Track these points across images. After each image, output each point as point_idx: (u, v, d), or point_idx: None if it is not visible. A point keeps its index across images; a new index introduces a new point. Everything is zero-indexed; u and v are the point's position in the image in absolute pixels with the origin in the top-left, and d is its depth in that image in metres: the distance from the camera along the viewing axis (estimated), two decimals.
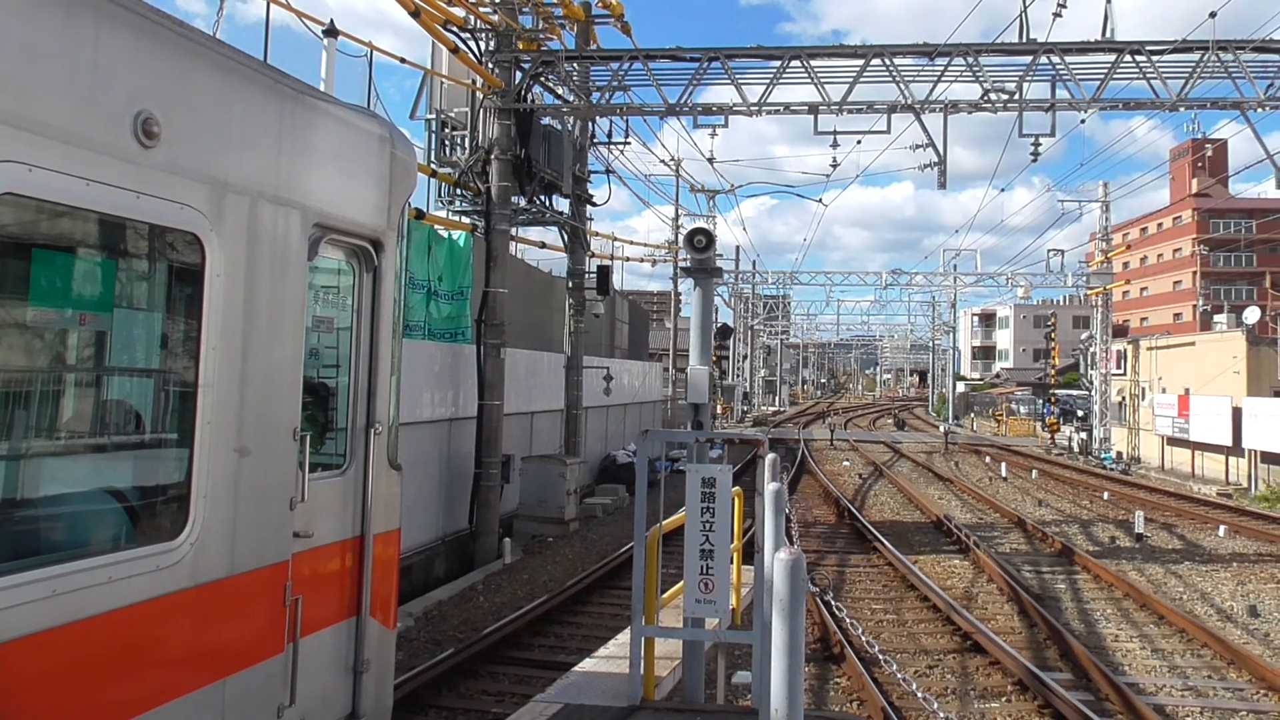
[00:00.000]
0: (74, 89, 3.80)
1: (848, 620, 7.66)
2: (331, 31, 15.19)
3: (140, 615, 4.07)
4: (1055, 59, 19.12)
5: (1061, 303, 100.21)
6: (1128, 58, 18.91)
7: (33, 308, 4.19)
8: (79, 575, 3.77)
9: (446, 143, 21.09)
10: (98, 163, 3.85)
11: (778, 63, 19.56)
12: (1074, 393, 59.53)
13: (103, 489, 4.45)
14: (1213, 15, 18.21)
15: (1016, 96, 19.42)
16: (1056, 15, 19.46)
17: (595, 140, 24.27)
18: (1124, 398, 48.71)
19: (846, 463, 40.59)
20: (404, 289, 6.69)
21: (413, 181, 6.55)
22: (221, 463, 4.56)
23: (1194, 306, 79.95)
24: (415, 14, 16.63)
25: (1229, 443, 35.56)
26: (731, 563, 7.36)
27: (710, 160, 29.57)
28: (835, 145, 21.26)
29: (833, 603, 8.18)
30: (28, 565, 3.65)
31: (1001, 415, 71.30)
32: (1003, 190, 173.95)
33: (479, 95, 20.10)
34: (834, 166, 23.03)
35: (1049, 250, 52.52)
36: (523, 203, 21.59)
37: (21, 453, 4.17)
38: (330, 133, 5.64)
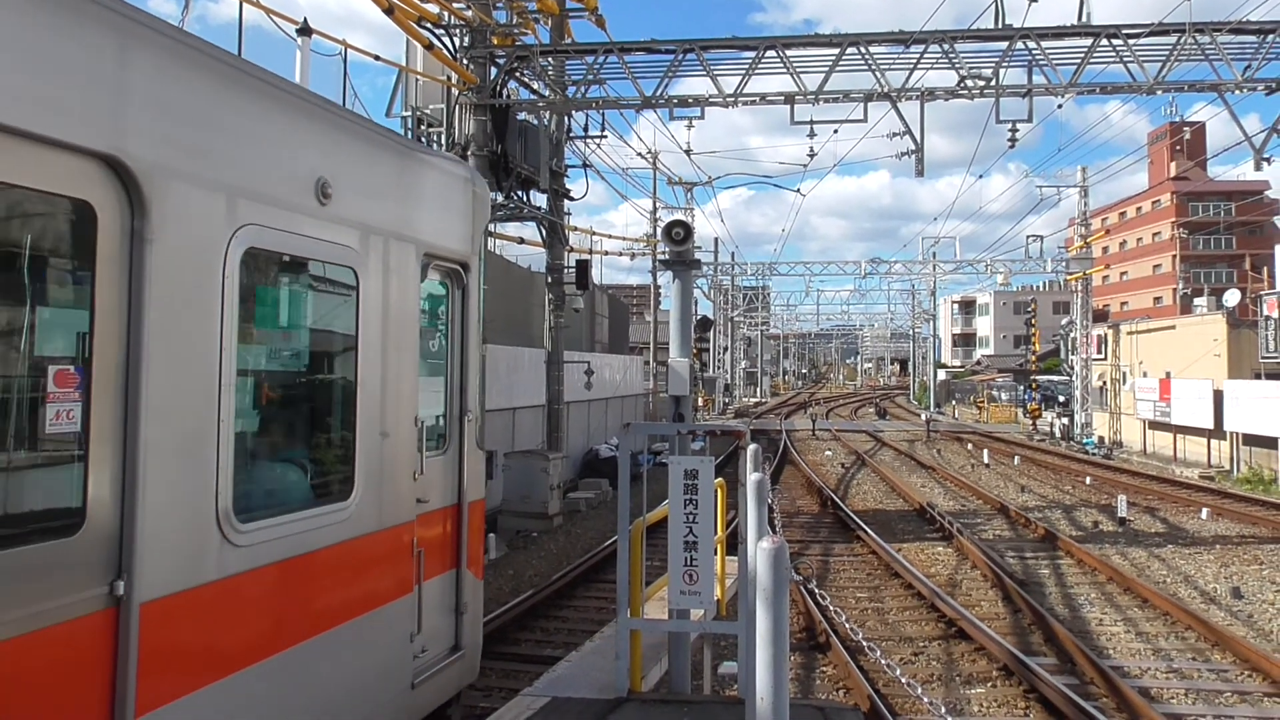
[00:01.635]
0: (284, 167, 5.23)
1: (832, 609, 7.65)
2: (305, 30, 15.10)
3: (331, 554, 5.53)
4: (1031, 44, 19.16)
5: (1041, 289, 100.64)
6: (1104, 41, 18.96)
7: (257, 329, 5.41)
8: (307, 521, 5.32)
9: (423, 140, 21.02)
10: (296, 219, 5.23)
11: (753, 53, 19.56)
12: (1055, 378, 59.77)
13: (317, 462, 5.84)
14: None
15: (993, 83, 19.45)
16: (1032, 0, 19.52)
17: (572, 135, 24.22)
18: (1105, 382, 48.92)
19: (829, 452, 40.66)
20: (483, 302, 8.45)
21: (488, 212, 8.19)
22: (372, 444, 5.96)
23: (1174, 290, 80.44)
24: (389, 11, 16.55)
25: (1210, 425, 35.75)
26: (716, 554, 7.35)
27: (687, 152, 29.53)
28: (812, 135, 21.28)
29: (816, 591, 8.18)
30: (283, 511, 5.25)
31: (983, 402, 71.57)
32: (980, 177, 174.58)
33: (454, 92, 20.02)
34: (811, 156, 23.05)
35: (1028, 236, 52.80)
36: (500, 198, 21.53)
37: (273, 436, 5.70)
38: (432, 180, 7.09)
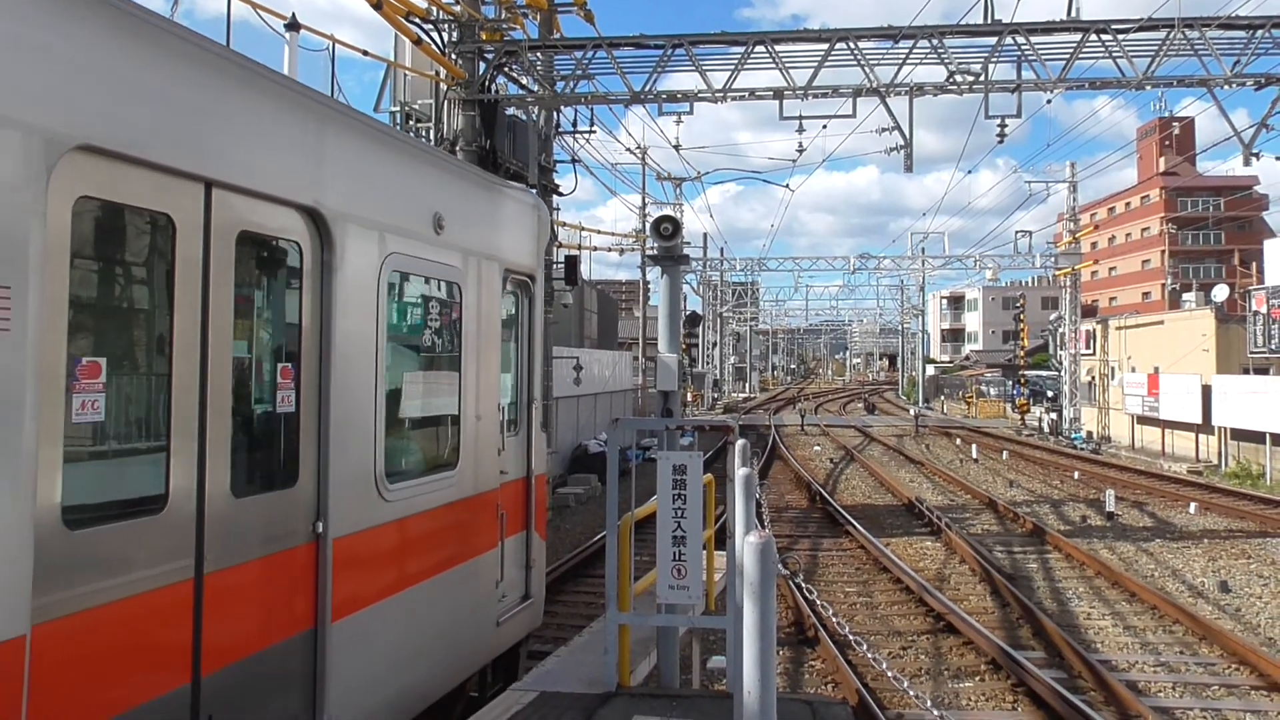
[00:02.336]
0: (413, 207, 6.78)
1: (820, 603, 7.65)
2: (293, 25, 15.04)
3: (444, 512, 7.05)
4: (1020, 39, 19.16)
5: (1030, 284, 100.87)
6: (1093, 37, 18.97)
7: (398, 333, 6.82)
8: (428, 485, 6.89)
9: (411, 135, 20.97)
10: (421, 246, 6.77)
11: (742, 48, 19.53)
12: (1043, 373, 59.93)
13: (434, 438, 7.40)
14: None
15: (982, 78, 19.45)
16: None
17: (560, 130, 24.18)
18: (1093, 377, 49.04)
19: (817, 447, 40.71)
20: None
21: (549, 232, 9.87)
22: (470, 425, 7.49)
23: (1163, 285, 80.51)
24: (377, 6, 16.49)
25: (1199, 420, 35.85)
26: (704, 549, 7.34)
27: (676, 147, 29.54)
28: (801, 130, 21.27)
29: (804, 585, 8.18)
30: (413, 476, 6.83)
31: (971, 397, 71.71)
32: (969, 172, 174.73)
33: (443, 87, 19.95)
34: (800, 151, 23.02)
35: (1017, 232, 52.79)
36: None
37: (406, 417, 7.03)
38: (509, 208, 8.62)
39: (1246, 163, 20.20)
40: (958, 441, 44.59)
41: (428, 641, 6.83)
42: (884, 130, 20.73)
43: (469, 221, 7.62)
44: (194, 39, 4.80)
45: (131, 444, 4.64)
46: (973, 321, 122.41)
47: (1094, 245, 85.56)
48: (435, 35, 19.49)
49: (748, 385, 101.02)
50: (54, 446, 3.92)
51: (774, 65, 19.52)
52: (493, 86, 20.37)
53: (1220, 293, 42.99)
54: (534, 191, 9.46)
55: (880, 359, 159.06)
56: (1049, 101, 21.29)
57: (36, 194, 3.77)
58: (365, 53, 19.44)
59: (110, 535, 4.26)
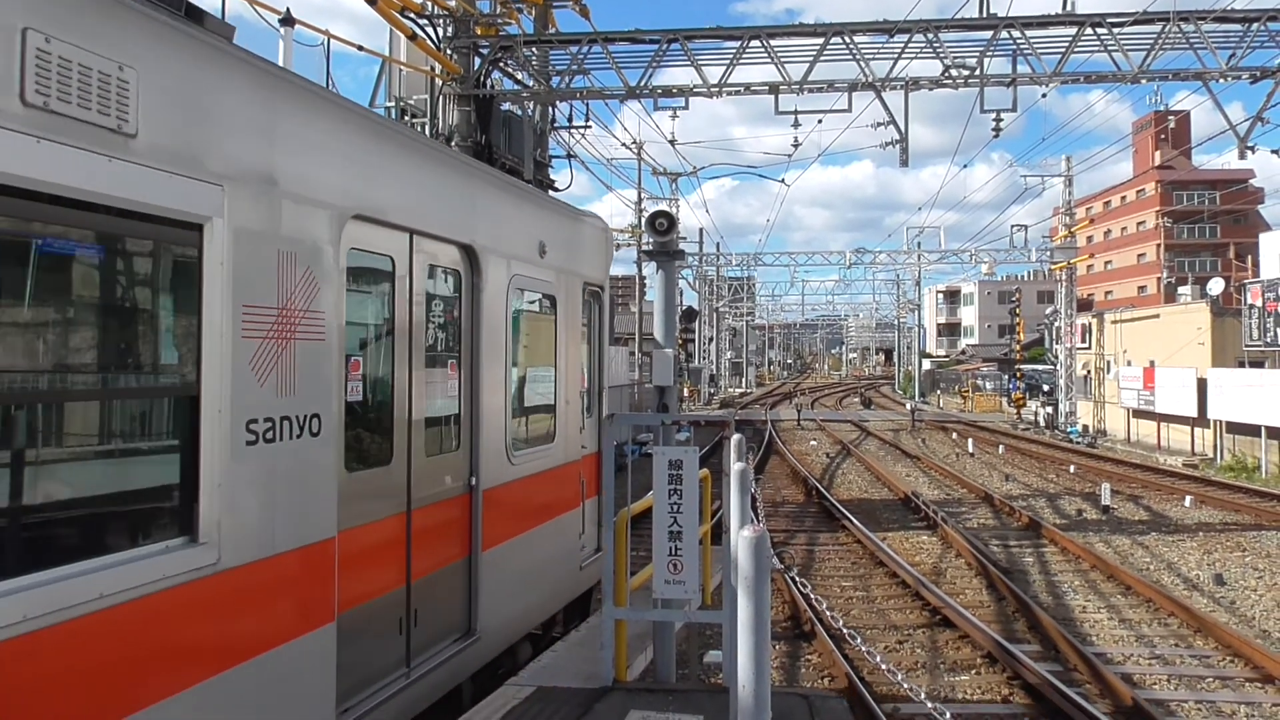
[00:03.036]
0: (527, 238, 8.77)
1: (816, 598, 7.67)
2: (288, 20, 14.99)
3: (546, 475, 9.03)
4: (1016, 33, 19.16)
5: (1026, 278, 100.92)
6: (1089, 30, 18.97)
7: (519, 336, 8.74)
8: (537, 453, 8.82)
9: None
10: (532, 268, 8.77)
11: (737, 43, 19.53)
12: (1039, 367, 60.02)
13: (540, 418, 9.30)
14: None
15: (977, 72, 19.46)
16: None
17: (556, 125, 24.16)
18: (1089, 371, 49.09)
19: (814, 442, 40.73)
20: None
21: (613, 250, 11.92)
22: (562, 408, 9.58)
23: (1158, 279, 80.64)
24: (372, 1, 16.47)
25: (1194, 414, 35.91)
26: (701, 544, 7.36)
27: (672, 142, 29.53)
28: (796, 125, 21.28)
29: (798, 579, 8.20)
30: (528, 447, 8.72)
31: (967, 392, 71.76)
32: (965, 167, 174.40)
33: (438, 82, 19.93)
34: (795, 146, 23.03)
35: (1012, 226, 52.70)
36: None
37: (522, 402, 8.88)
38: (586, 232, 10.63)
39: (1242, 156, 20.22)
40: (954, 436, 44.64)
41: (539, 574, 8.84)
42: (879, 125, 20.76)
43: (561, 246, 9.55)
44: (408, 134, 7.92)
45: (372, 415, 6.61)
46: (968, 316, 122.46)
47: (1090, 239, 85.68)
48: (430, 30, 19.45)
49: (744, 380, 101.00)
50: (339, 418, 5.81)
51: (769, 60, 19.52)
52: (488, 82, 20.35)
53: (1216, 286, 43.01)
54: (601, 217, 11.89)
55: (876, 353, 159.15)
56: (1044, 95, 21.32)
57: (335, 247, 5.77)
58: (360, 48, 19.40)
59: (365, 478, 6.28)
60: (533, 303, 9.14)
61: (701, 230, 65.28)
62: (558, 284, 9.44)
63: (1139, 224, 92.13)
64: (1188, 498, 24.47)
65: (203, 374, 4.72)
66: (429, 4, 19.19)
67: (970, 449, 37.81)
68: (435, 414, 7.25)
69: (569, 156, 25.12)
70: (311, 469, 5.49)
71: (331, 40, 17.29)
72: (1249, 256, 63.40)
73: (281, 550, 5.17)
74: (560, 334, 9.57)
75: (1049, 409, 49.99)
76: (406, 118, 20.68)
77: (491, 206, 8.17)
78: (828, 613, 7.04)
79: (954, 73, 19.42)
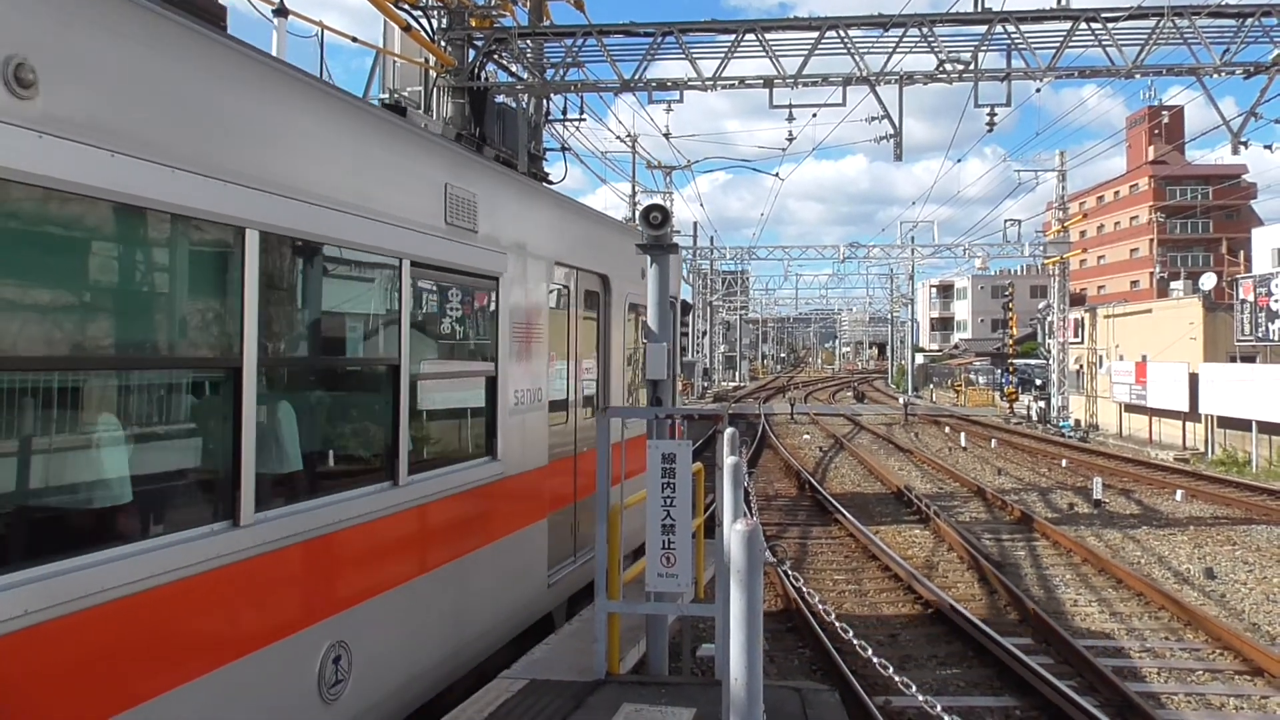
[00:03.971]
0: (633, 266, 10.55)
1: (808, 591, 7.69)
2: (281, 11, 14.95)
3: (633, 442, 10.78)
4: (1010, 27, 19.15)
5: (1019, 272, 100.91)
6: (1083, 25, 18.97)
7: (623, 340, 11.49)
8: (584, 429, 10.32)
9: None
10: (637, 287, 10.72)
11: (732, 36, 19.51)
12: (1032, 362, 60.06)
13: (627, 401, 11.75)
14: None
15: (972, 67, 19.44)
16: None
17: (550, 117, 24.13)
18: (1082, 366, 49.16)
19: (807, 436, 40.78)
20: None
21: (681, 268, 16.49)
22: (616, 390, 11.29)
23: (1151, 274, 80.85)
24: None
25: (1186, 408, 35.98)
26: (694, 537, 7.37)
27: (666, 136, 29.53)
28: (791, 119, 21.29)
29: (790, 573, 8.23)
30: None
31: (960, 386, 71.82)
32: (958, 161, 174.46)
33: (432, 74, 19.89)
34: (790, 140, 23.03)
35: (1006, 220, 52.95)
36: None
37: (632, 390, 11.77)
38: (621, 239, 11.89)
39: (1235, 151, 20.24)
40: (946, 430, 44.70)
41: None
42: (873, 119, 20.75)
43: (614, 254, 11.26)
44: (574, 205, 10.60)
45: (557, 390, 9.54)
46: (962, 310, 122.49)
47: (1083, 234, 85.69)
48: (424, 22, 19.39)
49: (737, 374, 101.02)
50: (546, 391, 9.04)
51: (764, 53, 19.50)
52: (482, 74, 20.32)
53: (1208, 281, 43.04)
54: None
55: (870, 347, 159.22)
56: (1038, 91, 21.31)
57: (546, 282, 9.09)
58: (354, 39, 19.36)
59: (557, 430, 9.29)
60: (590, 302, 11.14)
61: (696, 224, 65.24)
62: (603, 288, 11.36)
63: (1132, 219, 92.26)
64: (1179, 492, 24.54)
65: (498, 365, 8.09)
66: None
67: (963, 443, 37.89)
68: (588, 392, 10.61)
69: (563, 149, 25.07)
70: (536, 421, 8.82)
71: (325, 31, 17.27)
72: (1241, 251, 63.45)
73: (528, 469, 8.30)
74: (610, 332, 11.45)
75: (1041, 403, 50.08)
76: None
77: (615, 245, 11.08)
78: (820, 606, 7.05)
79: (948, 67, 19.41)
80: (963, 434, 39.99)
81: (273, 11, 14.93)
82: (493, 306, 8.05)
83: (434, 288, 7.28)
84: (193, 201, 4.56)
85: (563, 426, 9.63)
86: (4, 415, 3.99)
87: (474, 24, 19.88)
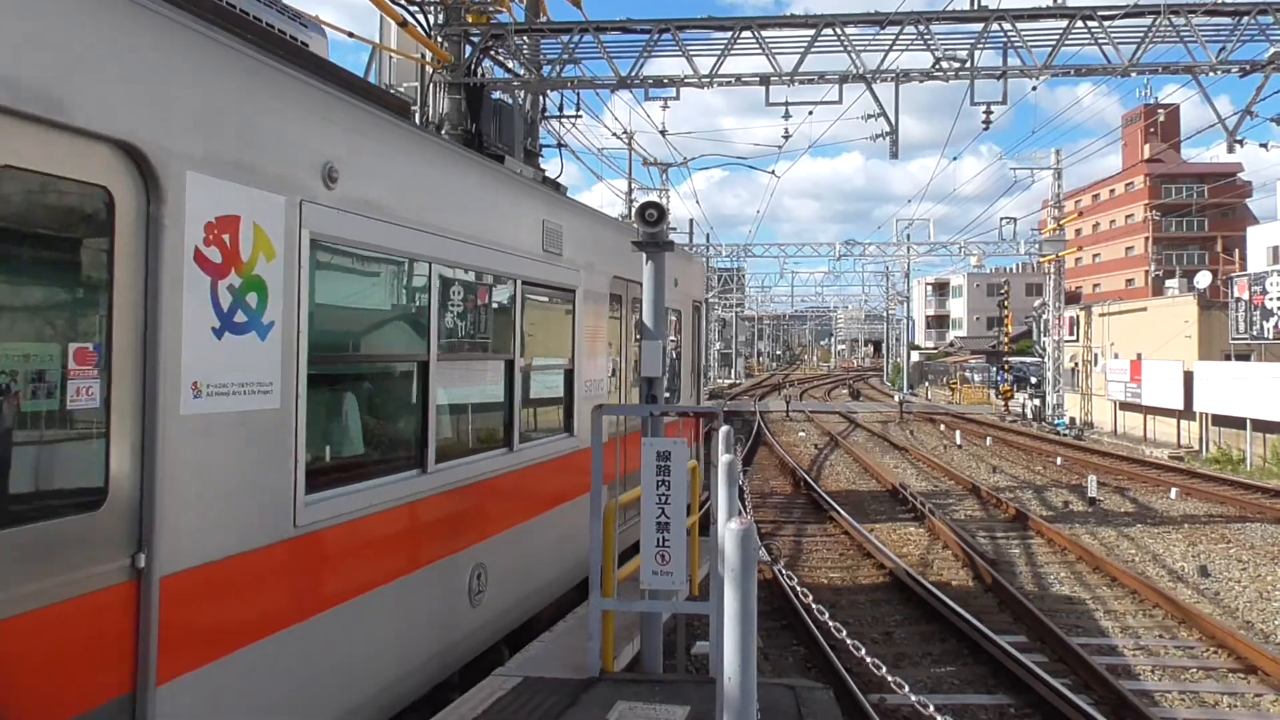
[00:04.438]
0: (701, 284, 17.30)
1: (802, 590, 7.68)
2: None
3: (688, 420, 13.34)
4: (1006, 25, 19.14)
5: (1014, 270, 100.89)
6: (1079, 23, 18.96)
7: (692, 341, 15.83)
8: (686, 406, 14.55)
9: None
10: (676, 294, 13.09)
11: (729, 33, 19.49)
12: (1027, 360, 60.09)
13: (683, 387, 14.71)
14: None
15: (968, 65, 19.43)
16: None
17: (546, 114, 24.11)
18: (1077, 364, 49.21)
19: (802, 433, 40.80)
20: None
21: (705, 276, 21.93)
22: (686, 380, 14.76)
23: (1146, 272, 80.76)
24: None
25: (1180, 406, 36.04)
26: (689, 535, 7.37)
27: (663, 133, 29.47)
28: (787, 116, 21.25)
29: (785, 572, 8.23)
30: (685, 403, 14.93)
31: (956, 384, 71.87)
32: (954, 159, 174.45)
33: (428, 70, 19.87)
34: (786, 138, 23.01)
35: (1001, 218, 52.81)
36: None
37: (686, 380, 15.06)
38: (694, 267, 16.00)
39: (1230, 150, 20.25)
40: (942, 427, 44.74)
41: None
42: (869, 116, 20.72)
43: (683, 276, 14.17)
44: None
45: (614, 381, 11.40)
46: (957, 308, 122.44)
47: (1078, 232, 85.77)
48: (421, 18, 19.37)
49: (733, 371, 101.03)
50: (608, 381, 11.04)
51: (760, 51, 19.49)
52: (478, 70, 20.29)
53: (1203, 279, 43.11)
54: (696, 255, 17.49)
55: (865, 345, 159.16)
56: (1034, 89, 21.30)
57: (608, 292, 10.94)
58: (351, 34, 19.32)
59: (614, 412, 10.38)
60: (677, 312, 13.82)
61: (692, 221, 65.04)
62: (683, 305, 14.36)
63: (1127, 217, 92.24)
64: (1173, 490, 24.58)
65: (575, 361, 9.85)
66: None
67: (958, 441, 37.92)
68: (634, 383, 11.85)
69: (559, 146, 25.04)
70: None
71: (321, 25, 17.21)
72: (1236, 250, 63.49)
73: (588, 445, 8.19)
74: (686, 334, 14.69)
75: (1036, 401, 50.11)
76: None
77: (695, 274, 15.03)
78: (815, 605, 7.05)
79: (944, 65, 19.40)
80: (958, 432, 40.03)
81: None
82: (570, 313, 9.91)
83: (534, 300, 9.08)
84: (421, 250, 6.89)
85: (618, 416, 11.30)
86: (330, 395, 6.34)
87: (470, 20, 19.85)
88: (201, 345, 4.71)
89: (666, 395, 11.90)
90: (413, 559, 6.66)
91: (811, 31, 19.40)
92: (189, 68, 4.69)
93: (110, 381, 4.23)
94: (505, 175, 8.72)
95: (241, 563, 4.97)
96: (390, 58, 20.65)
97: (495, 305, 8.46)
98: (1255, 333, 35.64)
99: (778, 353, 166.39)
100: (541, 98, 22.55)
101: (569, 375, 9.86)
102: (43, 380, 4.01)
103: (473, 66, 19.99)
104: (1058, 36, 19.06)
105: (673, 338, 13.68)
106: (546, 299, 9.46)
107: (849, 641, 6.00)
